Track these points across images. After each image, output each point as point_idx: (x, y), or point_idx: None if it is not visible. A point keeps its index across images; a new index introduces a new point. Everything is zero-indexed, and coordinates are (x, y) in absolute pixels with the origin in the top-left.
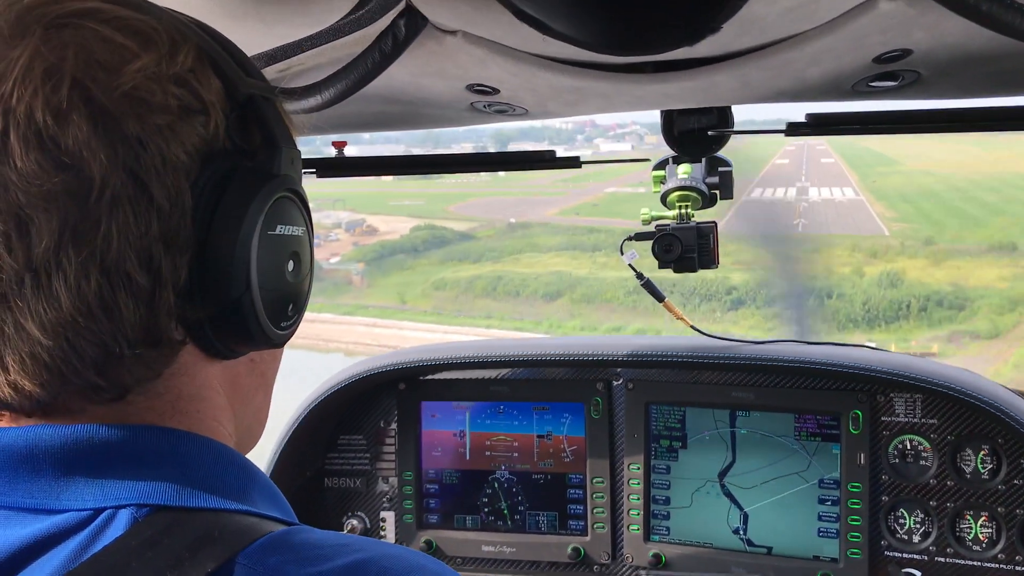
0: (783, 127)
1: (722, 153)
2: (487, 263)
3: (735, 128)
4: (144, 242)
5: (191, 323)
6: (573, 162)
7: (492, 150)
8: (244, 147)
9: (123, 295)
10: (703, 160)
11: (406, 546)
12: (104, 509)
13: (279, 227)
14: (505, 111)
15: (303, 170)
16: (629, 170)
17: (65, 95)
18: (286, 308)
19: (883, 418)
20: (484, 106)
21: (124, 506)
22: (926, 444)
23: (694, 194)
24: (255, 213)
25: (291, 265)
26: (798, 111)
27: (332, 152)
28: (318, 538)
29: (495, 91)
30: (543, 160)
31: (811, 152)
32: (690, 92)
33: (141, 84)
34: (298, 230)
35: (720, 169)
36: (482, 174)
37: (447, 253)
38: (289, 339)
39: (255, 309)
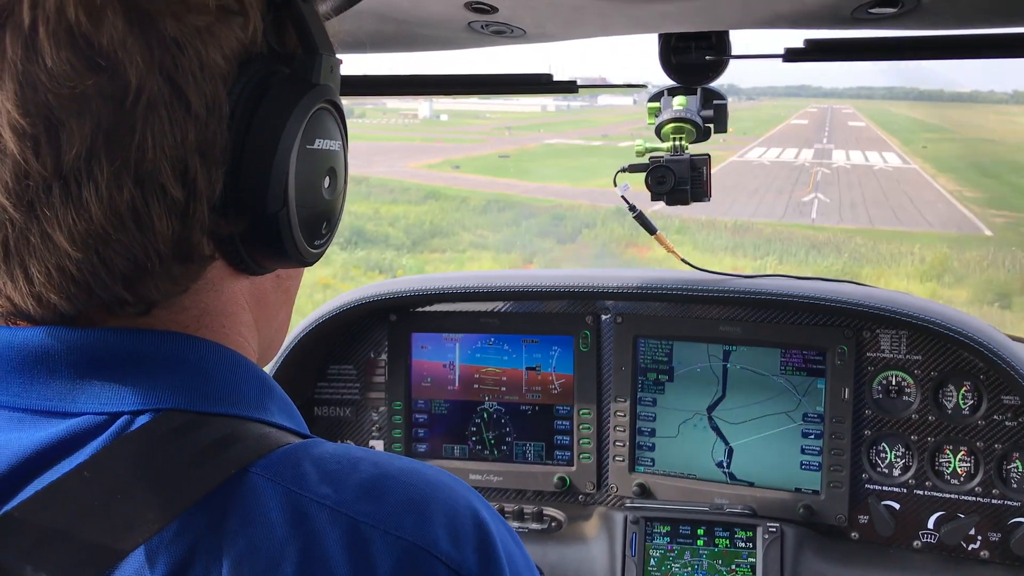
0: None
1: (717, 86)
2: None
3: (732, 54)
4: (179, 152)
5: (222, 238)
6: (569, 86)
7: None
8: (281, 52)
9: (156, 207)
10: (698, 92)
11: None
12: (121, 414)
13: (317, 141)
14: (503, 32)
15: None
16: (589, 123)
17: None
18: (320, 226)
19: (868, 354)
20: (482, 26)
21: (142, 411)
22: (910, 380)
23: (688, 126)
24: (294, 126)
25: (327, 181)
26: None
27: None
28: (331, 451)
29: (493, 9)
30: (539, 83)
31: (836, 116)
32: (689, 13)
33: None
34: (335, 144)
35: (715, 102)
36: (420, 117)
37: None
38: (320, 258)
39: (291, 226)
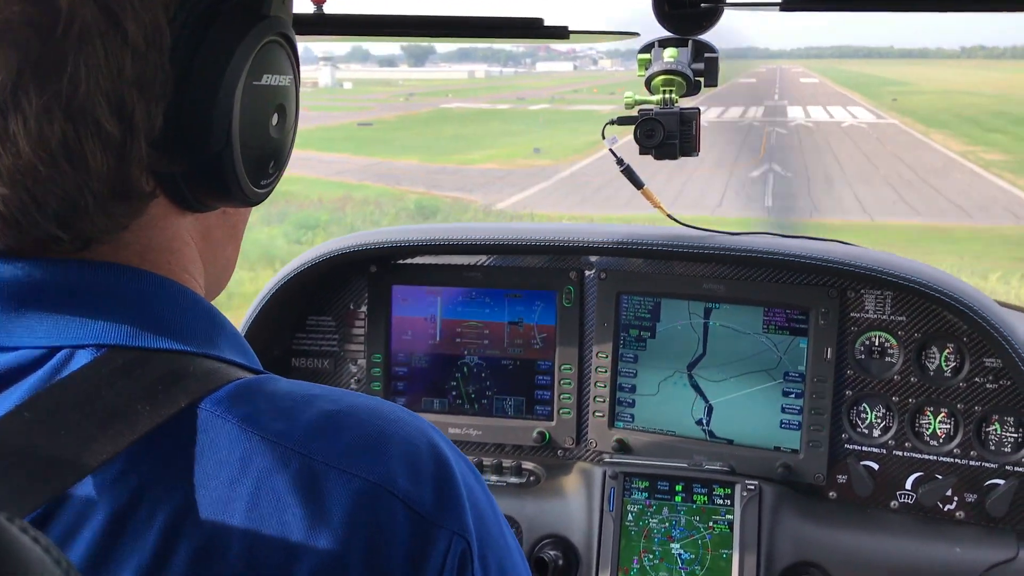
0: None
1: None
2: None
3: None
4: (116, 85)
5: (164, 175)
6: (560, 32)
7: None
8: None
9: (90, 143)
10: (689, 44)
11: None
12: (60, 348)
13: (265, 76)
14: None
15: None
16: (511, 88)
17: None
18: (267, 165)
19: (852, 314)
20: None
21: (83, 346)
22: (893, 341)
23: (679, 79)
24: (240, 60)
25: (276, 119)
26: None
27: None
28: (285, 388)
29: None
30: (528, 27)
31: (785, 75)
32: None
33: None
34: (285, 79)
35: (706, 55)
36: (320, 85)
37: None
38: (267, 197)
39: (234, 166)
